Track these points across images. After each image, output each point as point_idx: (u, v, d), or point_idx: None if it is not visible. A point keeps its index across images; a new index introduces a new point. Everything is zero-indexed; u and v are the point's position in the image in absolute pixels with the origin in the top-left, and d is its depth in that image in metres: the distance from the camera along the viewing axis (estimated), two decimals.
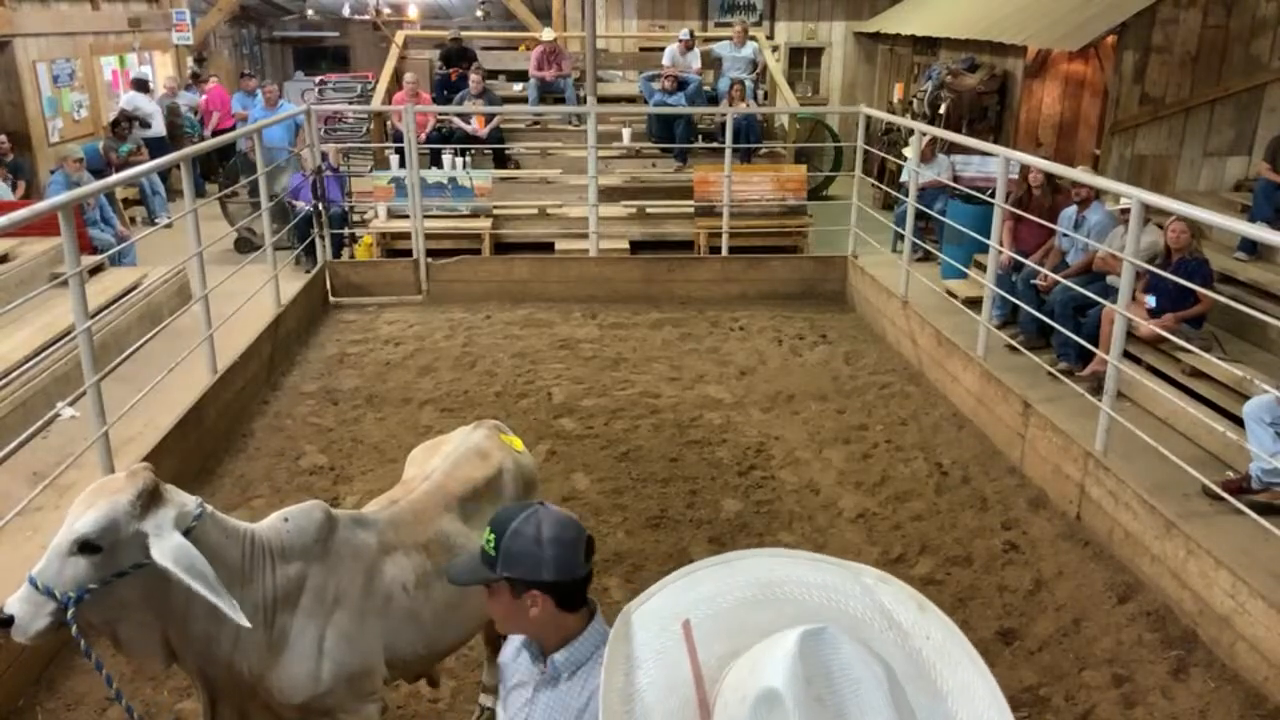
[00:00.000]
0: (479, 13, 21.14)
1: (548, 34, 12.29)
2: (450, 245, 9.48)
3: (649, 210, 10.55)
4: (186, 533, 2.44)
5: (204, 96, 13.83)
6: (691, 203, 10.09)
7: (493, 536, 1.88)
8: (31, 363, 5.57)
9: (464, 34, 13.57)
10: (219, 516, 2.60)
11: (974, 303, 7.10)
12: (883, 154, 10.67)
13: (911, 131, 9.28)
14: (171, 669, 2.79)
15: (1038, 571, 4.75)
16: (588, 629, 1.90)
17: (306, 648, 2.64)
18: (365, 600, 2.74)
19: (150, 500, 2.42)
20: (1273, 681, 3.83)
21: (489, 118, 11.17)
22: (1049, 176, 7.40)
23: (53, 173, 9.47)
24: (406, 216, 9.14)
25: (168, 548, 2.38)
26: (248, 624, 2.41)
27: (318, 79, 17.28)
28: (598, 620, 1.92)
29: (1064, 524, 5.15)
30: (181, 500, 2.50)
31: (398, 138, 10.10)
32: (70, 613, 2.34)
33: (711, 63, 12.78)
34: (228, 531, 2.59)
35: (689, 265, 9.25)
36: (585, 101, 10.09)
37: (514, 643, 2.05)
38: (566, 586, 1.86)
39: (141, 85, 13.21)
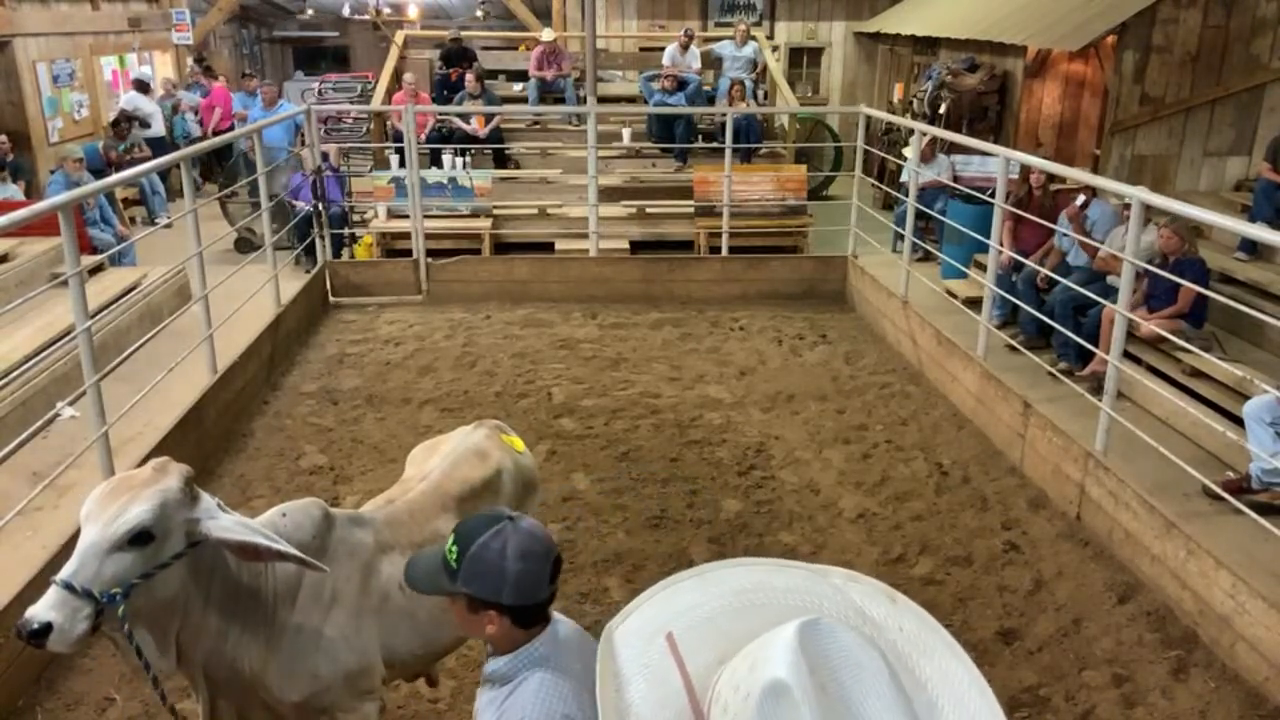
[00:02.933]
0: (479, 13, 21.14)
1: (548, 34, 12.29)
2: (450, 245, 9.48)
3: (649, 210, 10.56)
4: None
5: (208, 95, 13.83)
6: (691, 203, 10.09)
7: (455, 549, 1.81)
8: (31, 363, 5.56)
9: (464, 34, 13.58)
10: (226, 509, 2.60)
11: (974, 303, 7.10)
12: (883, 154, 10.67)
13: (911, 131, 9.28)
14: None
15: (1038, 571, 4.75)
16: (526, 647, 1.83)
17: (304, 645, 2.65)
18: (362, 599, 2.75)
19: (193, 488, 2.42)
20: (1273, 681, 3.83)
21: (489, 118, 11.17)
22: (1049, 177, 7.40)
23: (53, 173, 9.47)
24: (406, 216, 9.14)
25: (228, 523, 2.38)
26: (326, 569, 2.54)
27: (318, 79, 17.29)
28: (542, 639, 1.85)
29: (1064, 524, 5.15)
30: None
31: (398, 138, 10.10)
32: (121, 610, 2.24)
33: (711, 63, 12.79)
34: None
35: (689, 265, 9.25)
36: (585, 101, 10.09)
37: None
38: (526, 609, 1.81)
39: (142, 86, 13.22)
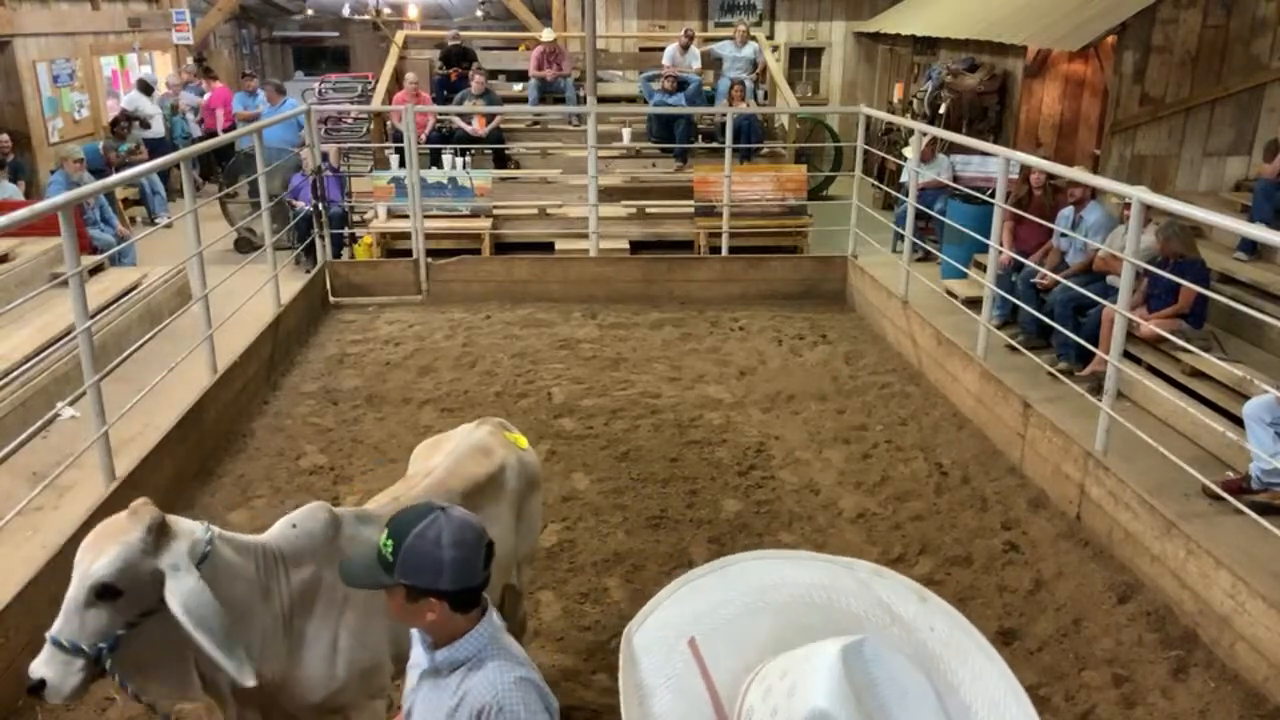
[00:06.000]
0: (479, 13, 21.13)
1: (548, 34, 12.29)
2: (450, 245, 9.48)
3: (649, 210, 10.55)
4: (202, 560, 2.40)
5: (208, 95, 13.84)
6: (691, 203, 10.09)
7: (390, 542, 1.86)
8: (31, 363, 5.57)
9: (464, 34, 13.59)
10: (228, 535, 2.58)
11: (974, 303, 7.10)
12: (883, 154, 10.67)
13: (911, 131, 9.28)
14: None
15: (1038, 571, 4.75)
16: (473, 631, 1.93)
17: (323, 648, 2.67)
18: (372, 598, 2.75)
19: (160, 534, 2.37)
20: (1273, 681, 3.83)
21: (489, 118, 11.17)
22: (1049, 177, 7.41)
23: (53, 173, 9.47)
24: (406, 216, 9.14)
25: (181, 591, 2.31)
26: (253, 681, 2.37)
27: (318, 79, 17.30)
28: (485, 621, 1.95)
29: (1064, 524, 5.15)
30: (189, 529, 2.46)
31: (398, 138, 10.10)
32: (108, 662, 2.28)
33: (711, 63, 12.79)
34: (240, 548, 2.57)
35: (689, 265, 9.25)
36: (585, 101, 10.09)
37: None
38: (463, 594, 1.88)
39: (145, 87, 13.23)
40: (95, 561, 2.30)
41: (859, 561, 1.29)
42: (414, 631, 2.07)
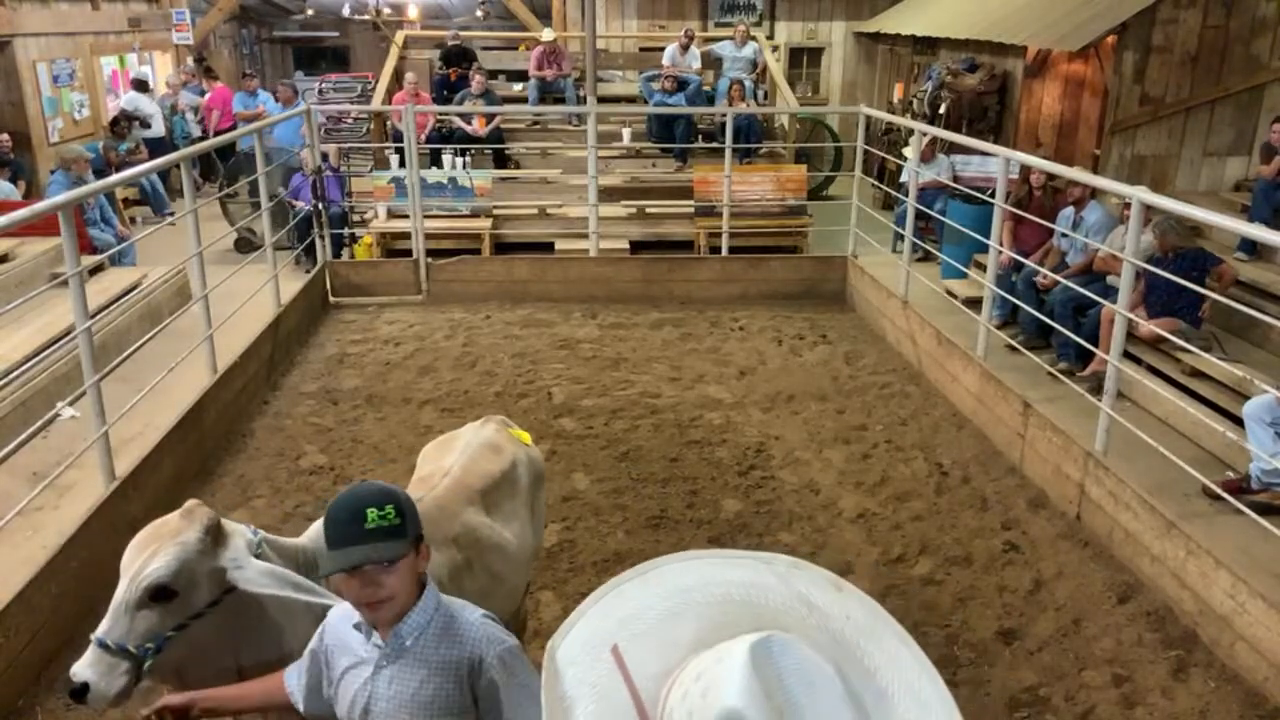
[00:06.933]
0: (479, 13, 21.13)
1: (548, 34, 12.30)
2: (450, 245, 9.49)
3: (649, 210, 10.56)
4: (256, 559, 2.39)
5: (208, 95, 13.85)
6: (691, 203, 10.09)
7: (390, 508, 1.86)
8: (31, 363, 5.56)
9: (464, 34, 13.59)
10: (271, 537, 2.57)
11: (974, 303, 7.10)
12: (883, 154, 10.67)
13: (911, 131, 9.28)
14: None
15: (1038, 571, 4.75)
16: (425, 593, 1.97)
17: None
18: None
19: (218, 535, 2.36)
20: (1273, 681, 3.83)
21: (489, 118, 11.17)
22: (1049, 177, 7.41)
23: (53, 173, 9.47)
24: (406, 216, 9.14)
25: (257, 575, 2.31)
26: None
27: (318, 79, 17.31)
28: (430, 584, 2.00)
29: (1064, 524, 5.15)
30: (240, 529, 2.45)
31: (398, 138, 10.10)
32: (147, 664, 2.25)
33: (711, 63, 12.80)
34: (283, 551, 2.56)
35: (689, 265, 9.25)
36: (585, 101, 10.10)
37: (336, 627, 2.08)
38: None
39: (141, 86, 13.22)
40: (151, 562, 2.27)
41: (778, 555, 1.31)
42: (333, 635, 2.08)
